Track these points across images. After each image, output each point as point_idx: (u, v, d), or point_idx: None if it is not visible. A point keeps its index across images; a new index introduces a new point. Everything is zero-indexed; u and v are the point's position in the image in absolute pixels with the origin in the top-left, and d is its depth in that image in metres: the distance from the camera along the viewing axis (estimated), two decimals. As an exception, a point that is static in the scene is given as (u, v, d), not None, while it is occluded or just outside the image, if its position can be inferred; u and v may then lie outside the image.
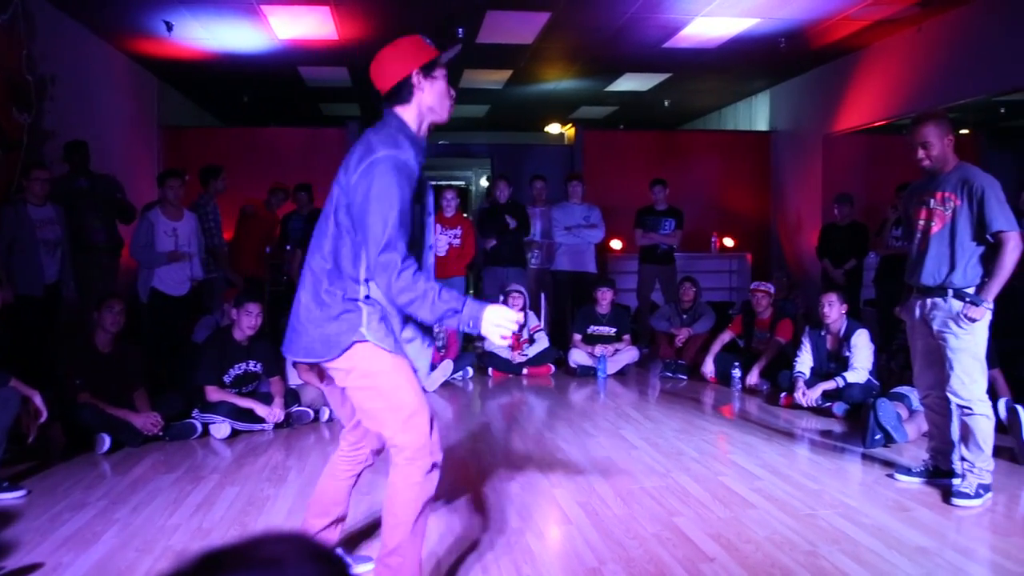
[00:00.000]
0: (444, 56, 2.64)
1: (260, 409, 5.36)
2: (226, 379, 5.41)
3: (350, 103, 11.74)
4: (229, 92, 10.62)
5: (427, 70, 2.58)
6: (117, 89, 8.52)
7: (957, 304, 3.85)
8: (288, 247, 8.51)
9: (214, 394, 5.30)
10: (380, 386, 2.58)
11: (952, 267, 3.86)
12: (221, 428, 5.25)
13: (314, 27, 7.63)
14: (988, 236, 3.77)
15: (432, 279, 2.54)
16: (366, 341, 2.53)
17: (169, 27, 7.35)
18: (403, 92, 2.59)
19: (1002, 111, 10.57)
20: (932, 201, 3.95)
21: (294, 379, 5.96)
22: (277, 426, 5.45)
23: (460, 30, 7.65)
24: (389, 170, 2.45)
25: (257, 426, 5.40)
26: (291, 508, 3.86)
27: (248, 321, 5.45)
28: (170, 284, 6.56)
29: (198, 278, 6.80)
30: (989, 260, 3.81)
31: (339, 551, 3.23)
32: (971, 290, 3.84)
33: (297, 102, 11.54)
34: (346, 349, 2.54)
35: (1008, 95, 8.30)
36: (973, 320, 3.80)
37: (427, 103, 2.61)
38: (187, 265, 6.65)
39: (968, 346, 3.85)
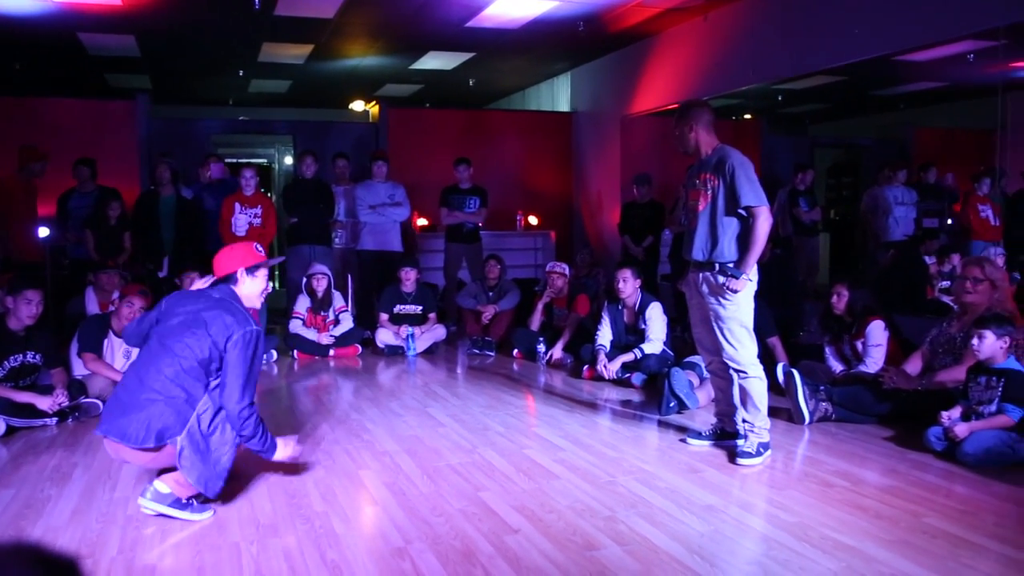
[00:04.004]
0: (268, 262, 3.74)
1: (40, 402, 4.94)
2: (0, 372, 4.96)
3: (140, 74, 11.01)
4: (-2, 58, 9.70)
5: (251, 271, 3.66)
6: None
7: (721, 277, 4.12)
8: (74, 228, 7.87)
9: (-15, 389, 4.84)
10: None
11: (715, 242, 4.14)
12: (-6, 425, 4.81)
13: (94, -10, 7.09)
14: (740, 211, 4.06)
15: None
16: None
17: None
18: (231, 279, 3.64)
19: (779, 98, 11.38)
20: (698, 182, 4.25)
21: (80, 369, 5.56)
22: (61, 420, 5.06)
23: (256, 1, 7.34)
24: (255, 341, 3.47)
25: (38, 421, 4.97)
26: (76, 508, 3.58)
27: (27, 310, 5.00)
28: (-69, 270, 5.94)
29: (-35, 262, 6.20)
30: (747, 235, 4.09)
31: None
32: (733, 264, 4.12)
33: (79, 71, 10.69)
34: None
35: (783, 83, 8.95)
36: (735, 291, 4.08)
37: (246, 292, 3.66)
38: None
39: (734, 315, 4.14)
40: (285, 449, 3.69)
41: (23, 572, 0.70)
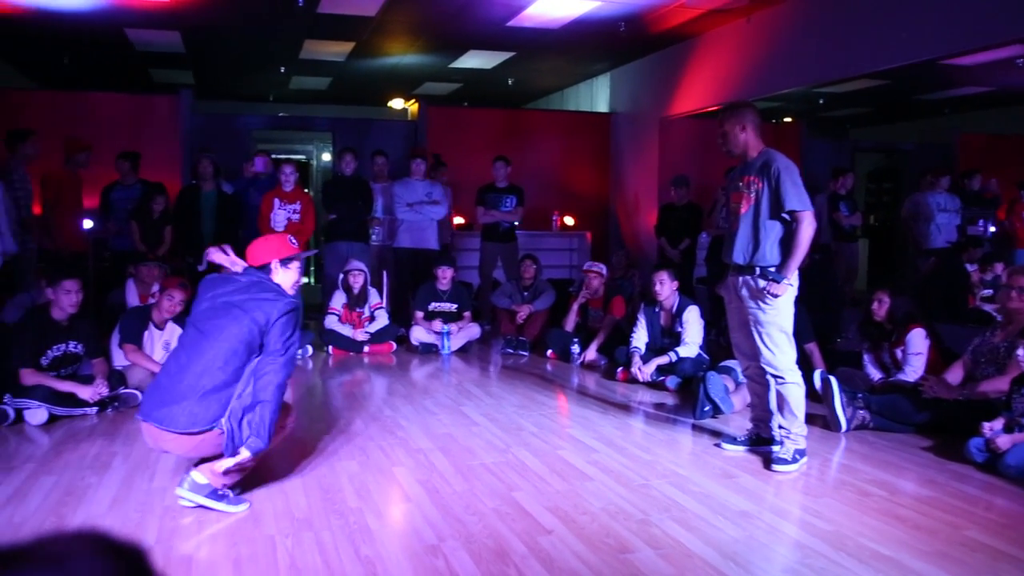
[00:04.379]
0: (301, 254, 3.84)
1: (82, 391, 5.03)
2: (43, 361, 5.04)
3: (183, 70, 11.17)
4: (47, 52, 9.86)
5: (285, 262, 3.73)
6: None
7: (762, 281, 4.08)
8: (116, 220, 7.99)
9: (29, 377, 4.92)
10: None
11: (757, 246, 4.10)
12: (37, 414, 4.88)
13: (141, -13, 7.19)
14: (784, 215, 4.02)
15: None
16: None
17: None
18: (265, 270, 3.71)
19: (821, 102, 11.28)
20: (741, 185, 4.20)
21: (120, 360, 5.65)
22: (101, 410, 5.15)
23: (300, -1, 7.42)
24: (295, 312, 3.59)
25: (79, 411, 5.06)
26: (116, 497, 3.64)
27: (68, 299, 5.09)
28: (-23, 260, 6.07)
29: (10, 252, 6.31)
30: (790, 239, 4.05)
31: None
32: (774, 268, 4.08)
33: (125, 66, 10.86)
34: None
35: (825, 87, 8.86)
36: (775, 296, 4.04)
37: (279, 282, 3.71)
38: (-3, 239, 6.16)
39: (774, 320, 4.09)
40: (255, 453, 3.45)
41: (92, 560, 0.72)
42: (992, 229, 9.13)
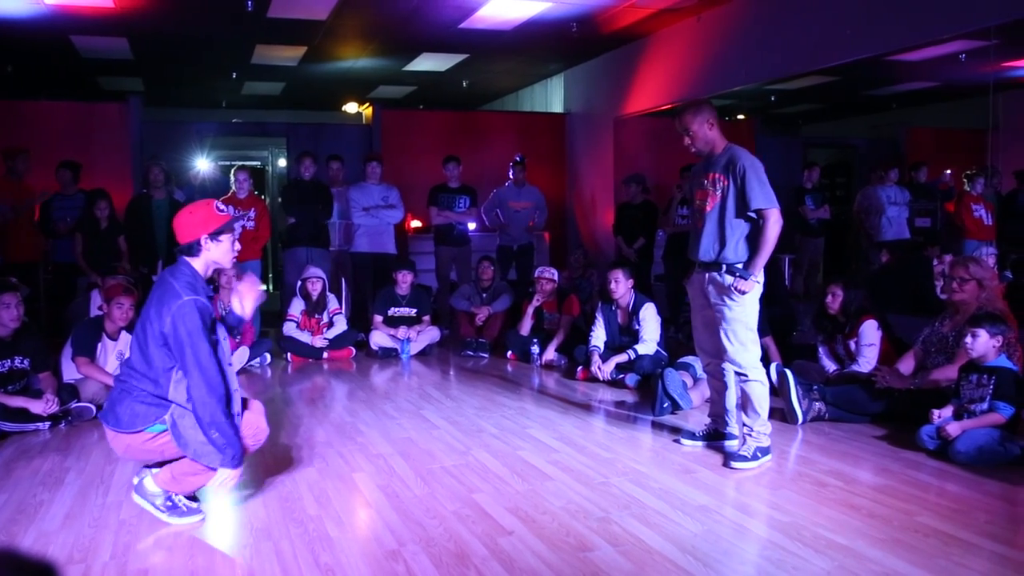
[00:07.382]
0: (231, 222, 3.44)
1: (33, 405, 4.92)
2: (-11, 377, 4.94)
3: (132, 77, 11.00)
4: (-11, 61, 9.67)
5: (214, 235, 3.38)
6: None
7: (729, 278, 4.09)
8: (61, 230, 7.83)
9: (-24, 395, 4.82)
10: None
11: (723, 244, 4.11)
12: (-14, 430, 4.79)
13: (85, -7, 7.07)
14: (750, 213, 4.04)
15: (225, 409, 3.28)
16: None
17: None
18: (194, 249, 3.38)
19: (772, 99, 11.41)
20: (706, 182, 4.19)
21: (72, 373, 5.54)
22: (53, 425, 5.04)
23: (249, 3, 7.33)
24: (193, 311, 3.20)
25: (31, 426, 4.95)
26: (69, 512, 3.57)
27: (7, 314, 4.97)
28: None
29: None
30: (756, 236, 4.08)
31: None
32: (741, 265, 4.11)
33: (72, 74, 10.67)
34: None
35: (776, 84, 8.97)
36: (743, 292, 4.06)
37: (212, 258, 3.41)
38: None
39: (740, 316, 4.11)
40: (228, 472, 3.34)
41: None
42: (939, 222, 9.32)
